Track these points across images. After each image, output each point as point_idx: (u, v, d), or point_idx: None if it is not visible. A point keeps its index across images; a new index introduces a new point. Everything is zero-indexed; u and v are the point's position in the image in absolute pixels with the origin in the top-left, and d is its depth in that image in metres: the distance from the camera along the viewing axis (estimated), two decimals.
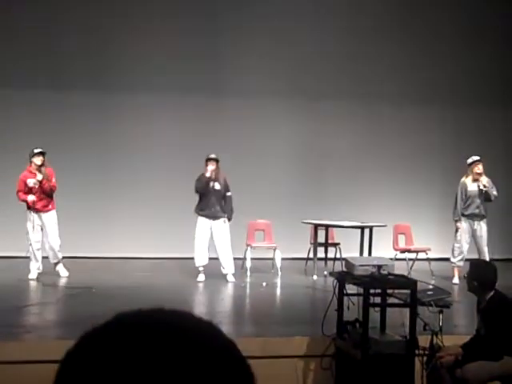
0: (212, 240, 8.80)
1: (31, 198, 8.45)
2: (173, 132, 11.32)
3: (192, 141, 11.18)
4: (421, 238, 10.47)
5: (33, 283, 8.45)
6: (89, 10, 11.08)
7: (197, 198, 8.87)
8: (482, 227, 9.15)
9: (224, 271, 8.81)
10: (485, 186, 9.07)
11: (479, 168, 9.10)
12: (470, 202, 9.14)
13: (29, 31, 10.93)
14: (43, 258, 8.71)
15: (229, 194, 8.86)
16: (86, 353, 0.70)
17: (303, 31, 11.57)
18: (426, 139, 11.98)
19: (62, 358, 0.71)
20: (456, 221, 9.23)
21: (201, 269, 8.82)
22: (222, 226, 8.79)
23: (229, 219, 8.84)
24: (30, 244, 8.60)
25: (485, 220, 9.21)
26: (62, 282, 8.56)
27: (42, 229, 8.64)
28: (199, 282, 8.74)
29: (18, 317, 6.44)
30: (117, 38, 11.15)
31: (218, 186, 8.76)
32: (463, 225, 9.17)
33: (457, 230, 9.19)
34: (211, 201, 8.74)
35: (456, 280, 9.06)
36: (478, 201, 9.11)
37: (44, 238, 8.65)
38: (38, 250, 8.63)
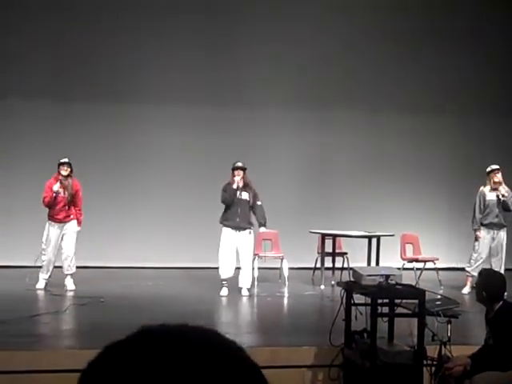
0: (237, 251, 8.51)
1: (55, 187, 8.36)
2: (181, 142, 11.36)
3: (202, 151, 11.25)
4: (429, 247, 10.43)
5: (41, 293, 8.42)
6: (100, 23, 11.15)
7: (220, 208, 8.54)
8: (500, 236, 9.06)
9: (240, 284, 8.51)
10: (503, 196, 8.93)
11: (497, 177, 8.97)
12: (488, 211, 9.04)
13: (39, 43, 11.00)
14: (55, 267, 8.60)
15: (259, 203, 8.53)
16: (109, 364, 0.69)
17: (308, 44, 11.61)
18: (433, 148, 11.97)
19: (84, 368, 0.71)
20: (475, 230, 9.13)
21: (224, 282, 8.45)
22: (246, 237, 8.46)
23: (263, 225, 8.54)
24: (44, 254, 8.49)
25: (504, 229, 9.11)
26: (72, 291, 8.49)
27: (61, 240, 8.51)
28: (222, 296, 8.36)
29: (26, 326, 6.45)
30: (129, 51, 11.20)
31: (245, 196, 8.44)
32: (482, 234, 9.06)
33: (476, 239, 9.09)
34: (237, 211, 8.37)
35: (466, 290, 8.97)
36: (496, 210, 8.99)
37: (61, 247, 8.55)
38: (51, 263, 8.53)
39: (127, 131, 11.27)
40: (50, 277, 8.60)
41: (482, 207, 9.06)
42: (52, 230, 8.49)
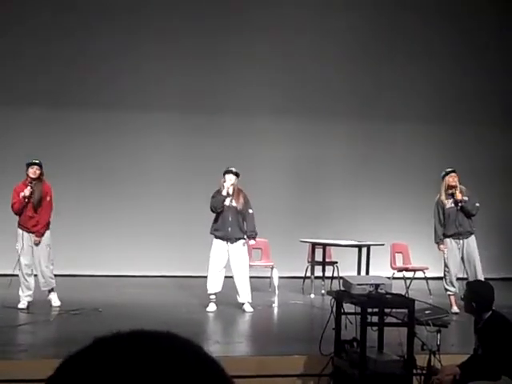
0: (229, 264, 8.00)
1: (26, 192, 7.53)
2: (171, 149, 11.36)
3: (192, 158, 11.25)
4: (418, 256, 10.45)
5: (32, 300, 7.87)
6: (90, 29, 11.14)
7: (209, 215, 8.00)
8: (469, 244, 8.18)
9: (240, 300, 8.04)
10: (461, 201, 8.08)
11: (453, 180, 8.14)
12: (450, 221, 8.19)
13: (31, 49, 10.98)
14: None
15: (250, 211, 7.99)
16: (64, 379, 0.71)
17: (303, 51, 11.66)
18: (423, 157, 12.01)
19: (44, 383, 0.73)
20: (437, 243, 8.35)
21: (212, 297, 7.95)
22: (239, 249, 7.95)
23: (253, 238, 8.04)
24: (20, 269, 7.65)
25: (472, 237, 8.22)
26: (58, 307, 7.84)
27: (32, 254, 7.70)
28: (209, 312, 7.88)
29: (11, 335, 6.41)
30: (119, 57, 11.20)
31: (235, 203, 7.88)
32: (449, 246, 8.23)
33: (444, 253, 8.28)
34: (228, 220, 7.83)
35: (455, 309, 8.05)
36: (459, 218, 8.14)
37: (35, 262, 7.71)
38: (29, 275, 7.69)
39: (117, 138, 11.23)
40: (31, 295, 7.73)
41: (441, 218, 8.22)
42: (22, 238, 7.64)
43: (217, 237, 7.95)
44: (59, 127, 11.02)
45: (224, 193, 7.86)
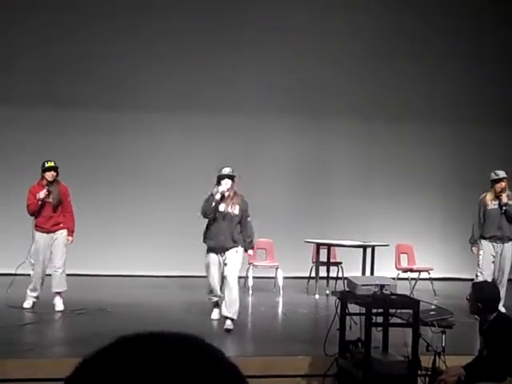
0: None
1: (42, 194, 7.47)
2: (176, 149, 11.35)
3: (196, 158, 11.21)
4: (423, 257, 10.42)
5: (37, 300, 7.79)
6: (92, 31, 11.13)
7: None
8: (504, 250, 8.07)
9: (223, 311, 6.93)
10: (506, 205, 7.95)
11: (502, 185, 8.00)
12: (490, 223, 8.04)
13: (31, 49, 10.97)
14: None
15: (248, 219, 7.11)
16: (85, 380, 0.70)
17: (303, 51, 11.64)
18: (430, 159, 11.98)
19: None
20: (472, 244, 8.19)
21: (214, 299, 7.25)
22: (232, 255, 6.97)
23: (245, 249, 7.16)
24: (33, 269, 7.59)
25: (510, 242, 8.09)
26: (70, 299, 7.82)
27: (51, 252, 7.63)
28: (214, 319, 7.31)
29: (19, 334, 6.40)
30: (121, 58, 11.18)
31: (231, 210, 6.97)
32: (485, 248, 8.04)
33: (478, 252, 8.09)
34: (221, 228, 6.93)
35: None
36: (499, 221, 8.01)
37: (50, 260, 7.64)
38: (41, 277, 7.61)
39: (118, 138, 11.21)
40: (38, 297, 7.70)
41: (481, 217, 8.10)
42: (40, 241, 7.58)
43: (209, 249, 7.07)
44: (59, 128, 11.00)
45: (217, 196, 6.91)
